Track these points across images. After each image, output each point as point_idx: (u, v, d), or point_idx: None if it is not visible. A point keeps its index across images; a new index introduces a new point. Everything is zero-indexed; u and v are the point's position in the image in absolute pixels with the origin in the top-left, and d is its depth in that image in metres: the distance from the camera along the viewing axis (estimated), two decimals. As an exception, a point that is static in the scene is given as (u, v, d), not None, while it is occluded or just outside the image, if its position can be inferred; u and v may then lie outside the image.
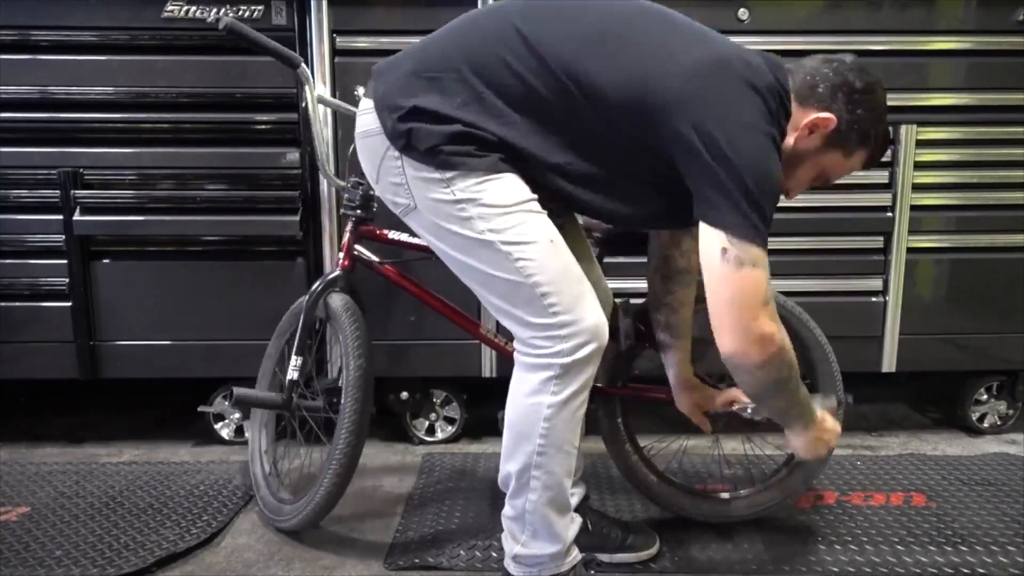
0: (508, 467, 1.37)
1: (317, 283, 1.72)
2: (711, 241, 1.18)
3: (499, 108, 1.26)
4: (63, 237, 2.05)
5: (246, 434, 2.24)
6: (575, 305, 1.28)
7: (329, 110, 2.00)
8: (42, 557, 1.60)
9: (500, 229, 1.28)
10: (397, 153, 1.30)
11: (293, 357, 1.70)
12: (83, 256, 2.07)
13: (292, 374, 1.70)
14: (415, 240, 1.75)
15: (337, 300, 1.70)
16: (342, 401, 1.60)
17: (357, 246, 1.75)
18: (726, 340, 1.20)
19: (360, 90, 1.97)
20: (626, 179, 1.30)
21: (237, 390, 1.72)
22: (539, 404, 1.30)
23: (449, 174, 1.27)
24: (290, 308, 1.86)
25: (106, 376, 2.14)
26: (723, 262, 1.16)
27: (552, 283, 1.28)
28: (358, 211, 1.73)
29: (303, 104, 1.99)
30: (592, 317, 1.29)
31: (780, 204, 2.06)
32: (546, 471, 1.33)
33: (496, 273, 1.30)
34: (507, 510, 1.40)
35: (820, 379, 1.73)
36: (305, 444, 1.83)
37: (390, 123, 1.29)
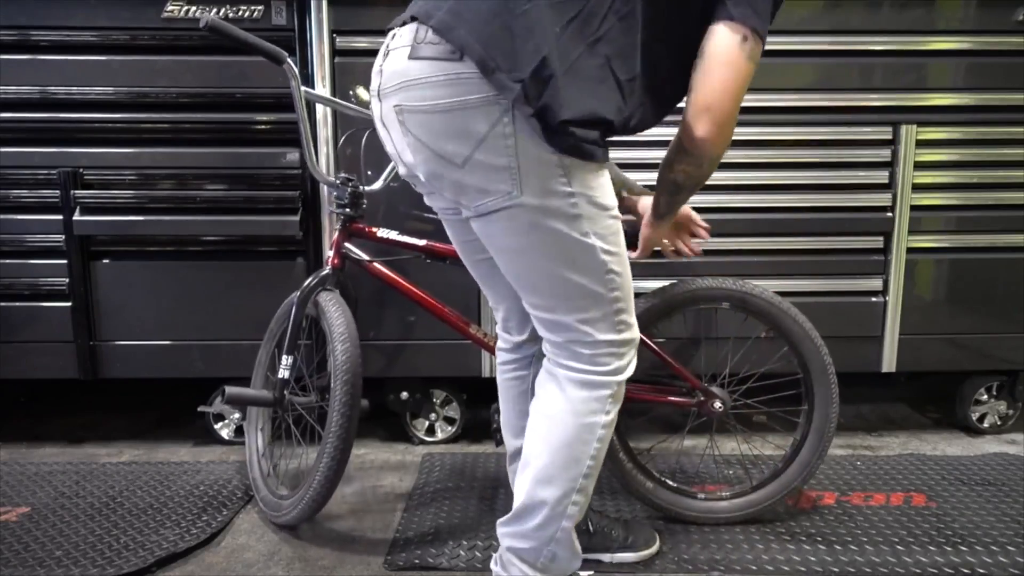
0: (543, 494, 1.25)
1: (307, 281, 1.74)
2: (732, 32, 1.12)
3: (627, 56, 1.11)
4: (63, 237, 2.05)
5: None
6: (634, 321, 1.27)
7: (329, 109, 2.00)
8: (42, 557, 1.60)
9: (603, 235, 1.18)
10: (511, 129, 1.09)
11: (284, 356, 1.71)
12: (83, 256, 2.07)
13: (283, 372, 1.70)
14: (406, 239, 1.76)
15: (326, 297, 1.71)
16: (331, 390, 1.60)
17: (347, 244, 1.77)
18: (705, 124, 1.15)
19: (360, 89, 1.97)
20: (668, 46, 1.17)
21: (229, 389, 1.70)
22: (595, 424, 1.24)
23: (568, 160, 1.12)
24: (278, 311, 1.88)
25: (106, 376, 2.14)
26: (740, 50, 1.13)
27: (626, 299, 1.24)
28: (347, 209, 1.74)
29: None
30: (637, 330, 1.28)
31: (780, 204, 2.10)
32: (585, 494, 1.28)
33: (584, 283, 1.19)
34: (520, 542, 1.30)
35: (813, 372, 1.73)
36: (301, 442, 1.83)
37: (518, 87, 1.05)
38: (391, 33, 1.21)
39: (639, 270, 1.66)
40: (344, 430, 1.59)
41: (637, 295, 1.72)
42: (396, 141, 1.21)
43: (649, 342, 1.73)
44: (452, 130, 1.11)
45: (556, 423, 1.25)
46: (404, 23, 1.18)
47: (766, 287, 1.75)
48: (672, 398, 1.78)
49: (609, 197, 1.19)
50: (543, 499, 1.26)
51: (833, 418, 1.74)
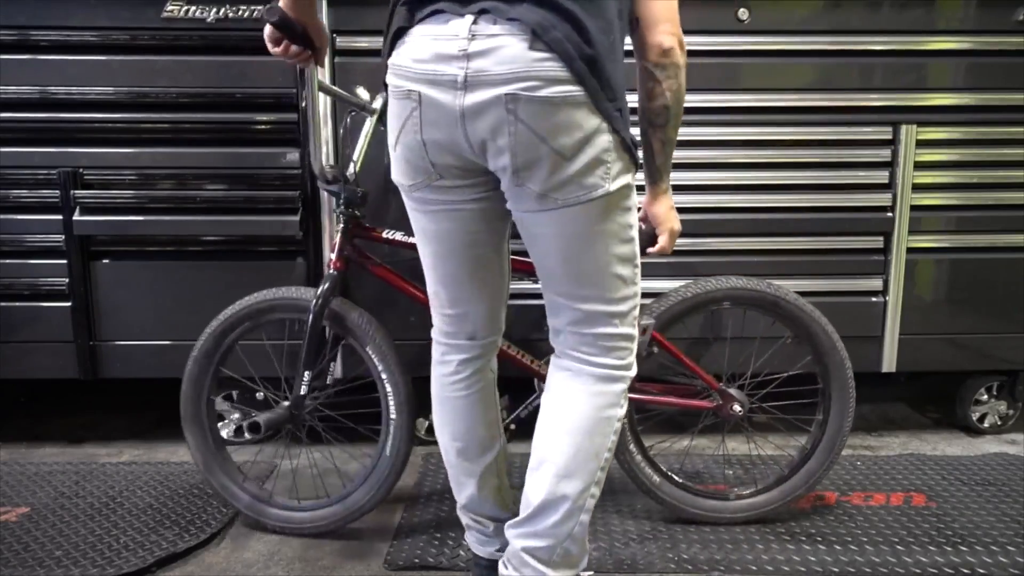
0: (565, 488, 1.27)
1: (317, 296, 1.68)
2: None
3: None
4: (63, 237, 2.05)
5: (246, 435, 2.24)
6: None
7: (328, 107, 1.99)
8: (42, 557, 1.60)
9: (635, 228, 1.27)
10: (610, 134, 1.17)
11: (304, 372, 1.68)
12: (83, 256, 2.07)
13: (302, 389, 1.69)
14: (411, 239, 1.73)
15: (339, 304, 1.71)
16: (389, 388, 1.69)
17: (349, 246, 1.74)
18: (669, 34, 1.23)
19: (360, 89, 1.96)
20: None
21: (260, 418, 1.67)
22: (612, 417, 1.29)
23: (627, 157, 1.22)
24: (211, 326, 1.79)
25: (106, 376, 2.14)
26: None
27: (639, 294, 1.31)
28: (350, 210, 1.70)
29: (303, 104, 2.00)
30: None
31: (780, 204, 2.10)
32: (600, 487, 1.31)
33: (625, 275, 1.27)
34: (536, 541, 1.30)
35: (833, 384, 1.74)
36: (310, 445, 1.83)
37: (605, 92, 1.15)
38: (453, 23, 1.14)
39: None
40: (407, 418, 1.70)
41: (657, 295, 1.73)
42: (483, 131, 1.16)
43: (667, 342, 1.73)
44: (568, 122, 1.14)
45: (579, 417, 1.28)
46: (470, 15, 1.14)
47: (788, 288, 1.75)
48: (692, 401, 1.77)
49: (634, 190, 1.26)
50: (564, 494, 1.27)
51: (846, 431, 1.74)
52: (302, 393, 1.69)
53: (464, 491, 1.48)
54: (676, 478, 1.78)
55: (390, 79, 1.22)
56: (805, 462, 1.77)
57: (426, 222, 1.32)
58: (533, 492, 1.29)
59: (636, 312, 1.30)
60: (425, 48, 1.16)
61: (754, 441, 1.88)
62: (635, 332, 1.31)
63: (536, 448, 1.31)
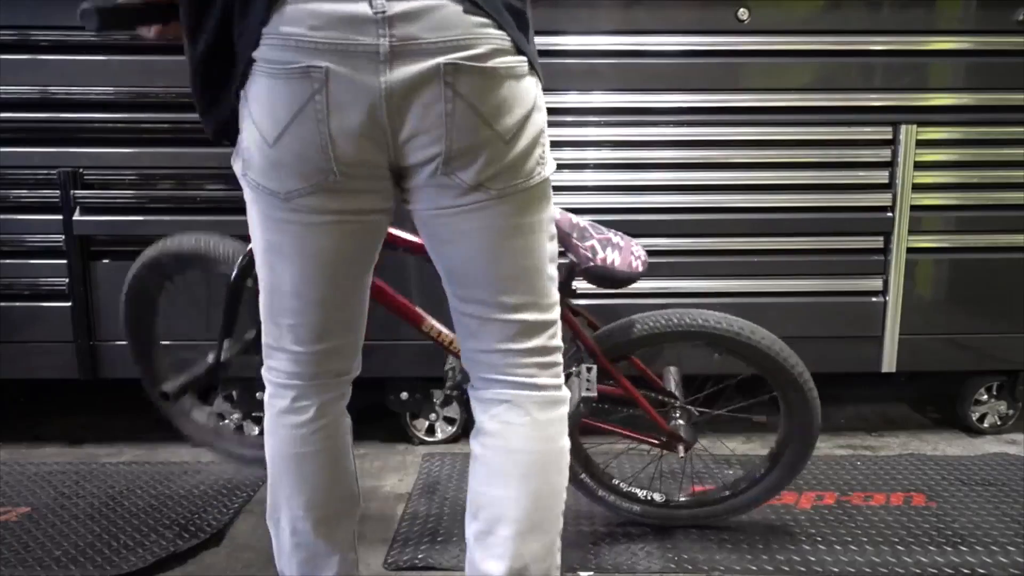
0: (532, 547, 1.06)
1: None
2: None
3: None
4: (63, 237, 2.05)
5: (245, 434, 2.24)
6: None
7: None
8: (42, 557, 1.60)
9: (552, 216, 1.10)
10: (542, 101, 1.03)
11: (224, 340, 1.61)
12: (83, 256, 2.07)
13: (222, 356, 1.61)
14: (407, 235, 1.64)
15: None
16: None
17: None
18: None
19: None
20: None
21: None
22: (566, 447, 1.12)
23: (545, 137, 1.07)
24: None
25: (106, 376, 2.14)
26: None
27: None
28: None
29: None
30: None
31: (781, 204, 2.09)
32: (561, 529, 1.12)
33: (554, 275, 1.10)
34: None
35: (794, 430, 1.64)
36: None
37: (532, 53, 1.00)
38: None
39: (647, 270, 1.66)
40: None
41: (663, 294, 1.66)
42: (411, 114, 0.95)
43: (617, 374, 1.62)
44: (510, 98, 0.97)
45: (531, 456, 1.08)
46: None
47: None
48: (639, 436, 1.68)
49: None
50: (534, 552, 1.06)
51: (799, 471, 1.68)
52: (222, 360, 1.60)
53: (326, 566, 1.20)
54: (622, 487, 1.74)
55: (268, 53, 0.94)
56: (752, 487, 1.71)
57: (300, 237, 1.03)
58: (490, 565, 1.06)
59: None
60: (322, 10, 0.90)
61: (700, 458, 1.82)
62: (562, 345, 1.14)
63: (481, 508, 1.09)
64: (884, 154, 2.09)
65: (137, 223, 2.06)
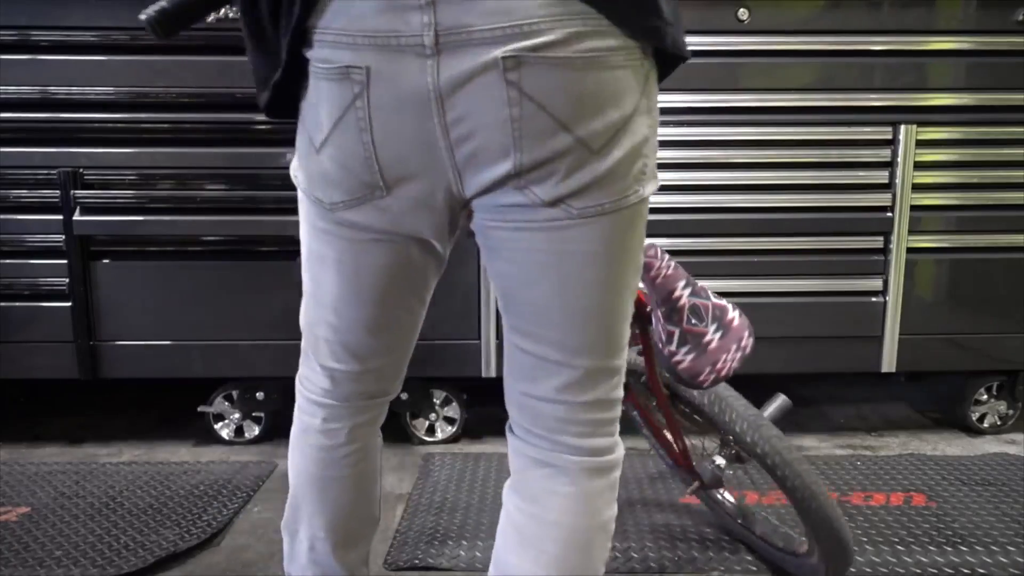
0: None
1: None
2: None
3: None
4: (63, 237, 2.05)
5: (246, 434, 2.24)
6: None
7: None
8: (42, 557, 1.60)
9: (642, 244, 0.91)
10: (650, 102, 0.83)
11: None
12: (83, 256, 2.07)
13: None
14: None
15: None
16: None
17: None
18: None
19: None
20: None
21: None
22: (610, 520, 0.94)
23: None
24: None
25: (106, 376, 2.14)
26: None
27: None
28: None
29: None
30: None
31: (780, 204, 2.09)
32: None
33: (629, 314, 0.91)
34: None
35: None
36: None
37: (657, 33, 0.79)
38: None
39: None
40: None
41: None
42: (467, 121, 0.77)
43: (668, 407, 1.47)
44: (600, 95, 0.77)
45: (572, 532, 0.91)
46: None
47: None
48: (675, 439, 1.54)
49: None
50: None
51: None
52: None
53: None
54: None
55: (313, 53, 0.81)
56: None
57: (343, 252, 0.93)
58: None
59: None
60: None
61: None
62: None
63: None
64: (884, 154, 2.09)
65: (137, 223, 2.06)
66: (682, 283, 1.27)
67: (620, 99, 0.78)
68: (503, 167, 0.78)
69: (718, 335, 1.25)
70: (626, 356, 0.93)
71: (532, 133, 0.76)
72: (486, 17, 0.73)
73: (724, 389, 1.42)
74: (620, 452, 0.94)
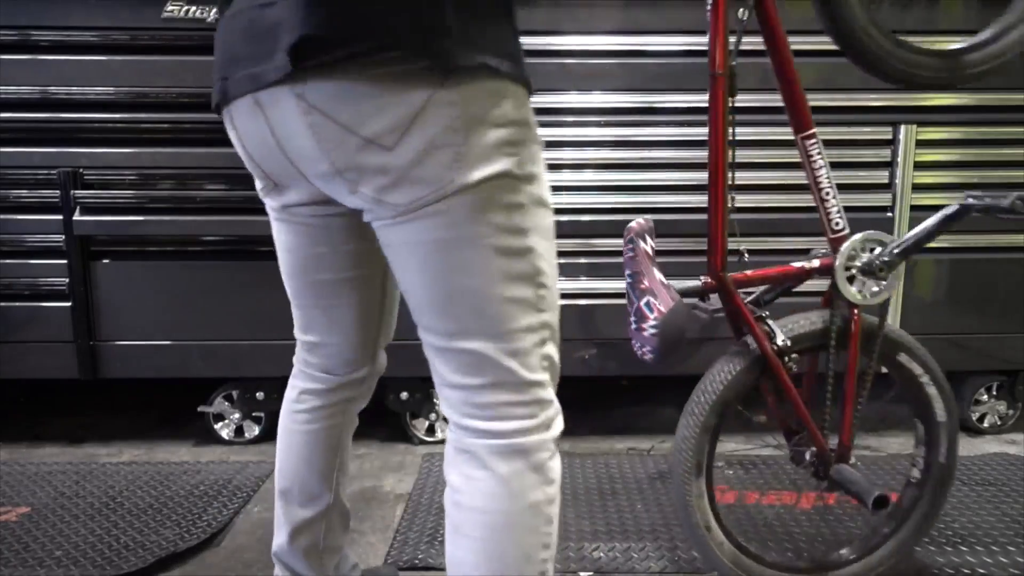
0: None
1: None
2: None
3: None
4: (63, 237, 2.05)
5: (246, 434, 2.25)
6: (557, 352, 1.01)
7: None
8: (42, 557, 1.60)
9: (538, 232, 0.92)
10: (446, 96, 0.87)
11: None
12: (83, 256, 2.07)
13: None
14: None
15: None
16: None
17: None
18: None
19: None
20: None
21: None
22: (539, 503, 0.93)
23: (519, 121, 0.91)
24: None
25: (106, 376, 2.14)
26: None
27: (557, 324, 0.97)
28: None
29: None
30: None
31: (781, 204, 2.09)
32: None
33: (526, 297, 0.92)
34: None
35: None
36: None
37: (436, 31, 0.87)
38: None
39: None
40: None
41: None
42: (279, 131, 0.89)
43: (786, 379, 1.45)
44: (378, 97, 0.82)
45: (491, 518, 0.91)
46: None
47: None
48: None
49: (548, 189, 0.94)
50: None
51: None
52: None
53: (277, 535, 1.26)
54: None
55: None
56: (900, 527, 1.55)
57: (274, 231, 1.13)
58: None
59: (549, 344, 0.94)
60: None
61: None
62: (549, 375, 0.95)
63: (448, 566, 0.96)
64: (884, 154, 2.09)
65: (137, 223, 2.06)
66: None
67: (402, 98, 0.82)
68: (322, 167, 0.88)
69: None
70: (530, 341, 0.92)
71: (329, 140, 0.85)
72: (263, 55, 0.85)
73: None
74: (545, 434, 0.93)
